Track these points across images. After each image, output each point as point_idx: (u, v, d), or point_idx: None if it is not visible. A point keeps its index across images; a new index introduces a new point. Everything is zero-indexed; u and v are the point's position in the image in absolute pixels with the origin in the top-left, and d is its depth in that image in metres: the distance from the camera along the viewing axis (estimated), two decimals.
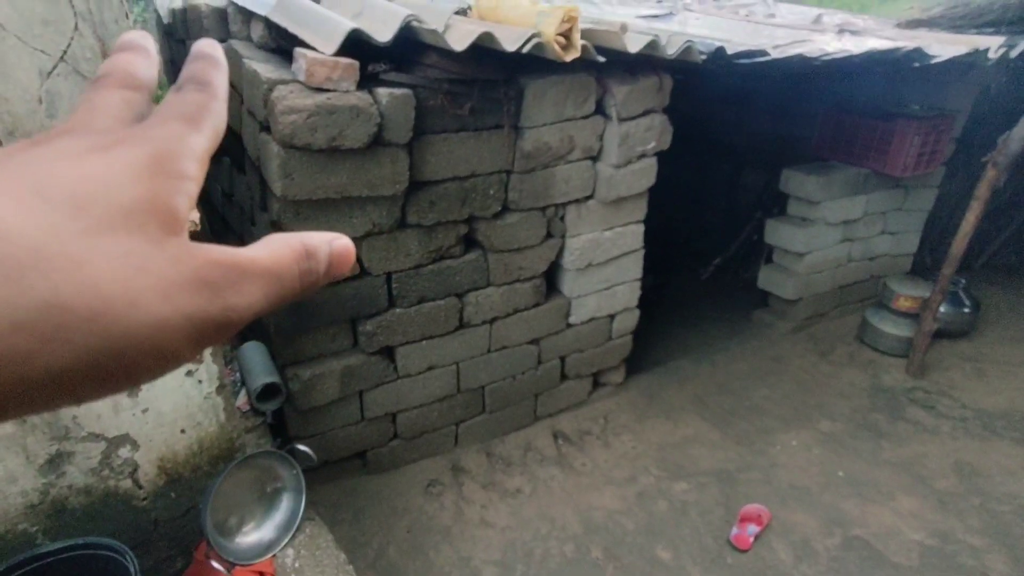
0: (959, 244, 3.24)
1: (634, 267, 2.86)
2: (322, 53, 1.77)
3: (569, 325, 2.84)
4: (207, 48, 0.30)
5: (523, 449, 2.98)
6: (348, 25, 1.74)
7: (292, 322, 2.16)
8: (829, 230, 3.75)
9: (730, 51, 2.25)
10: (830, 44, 2.76)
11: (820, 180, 3.56)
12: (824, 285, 3.96)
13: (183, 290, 0.23)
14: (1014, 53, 3.01)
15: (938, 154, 3.71)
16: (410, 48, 1.95)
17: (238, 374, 2.55)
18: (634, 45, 2.07)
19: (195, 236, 0.26)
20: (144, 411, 1.70)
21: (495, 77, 2.01)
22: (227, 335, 0.25)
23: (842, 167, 3.68)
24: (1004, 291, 4.51)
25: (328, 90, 1.77)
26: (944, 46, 2.94)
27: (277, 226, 1.98)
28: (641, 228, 2.75)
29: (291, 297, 0.27)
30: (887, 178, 3.71)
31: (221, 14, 2.55)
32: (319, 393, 2.31)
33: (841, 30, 3.24)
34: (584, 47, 1.97)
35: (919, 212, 4.11)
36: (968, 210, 3.15)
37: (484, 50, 1.89)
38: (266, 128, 1.87)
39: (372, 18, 1.91)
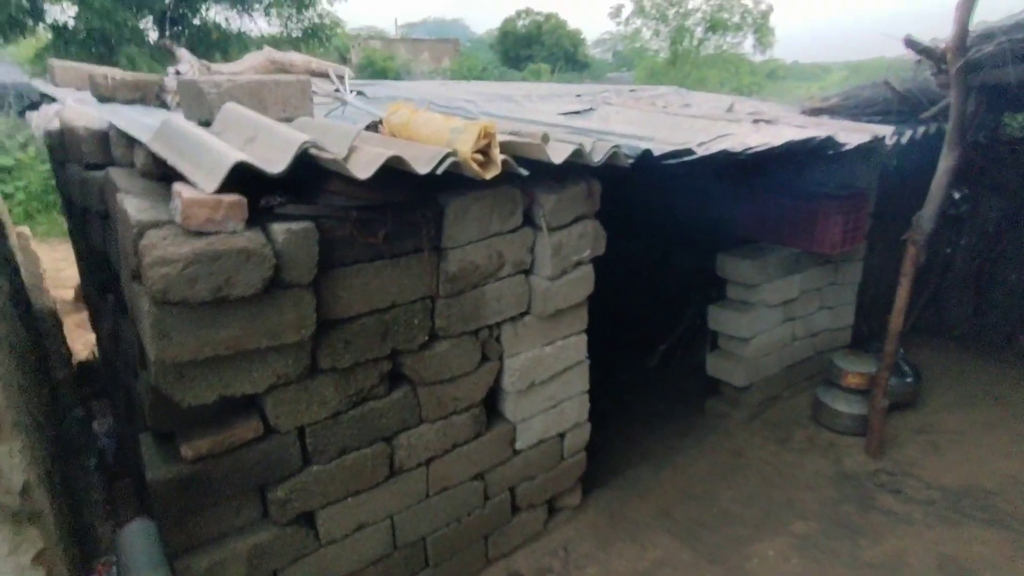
0: (896, 320, 3.23)
1: (580, 380, 2.63)
2: (203, 190, 1.51)
3: (516, 452, 2.55)
4: None
5: None
6: (232, 158, 1.50)
7: (181, 501, 1.77)
8: (770, 312, 3.70)
9: (656, 152, 2.15)
10: (750, 136, 2.76)
11: (755, 263, 3.52)
12: (772, 367, 3.86)
13: None
14: (904, 140, 3.22)
15: (860, 229, 3.79)
16: (312, 174, 1.72)
17: (114, 568, 2.08)
18: (558, 156, 1.92)
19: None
20: None
21: (410, 199, 1.80)
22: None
23: (774, 248, 3.67)
24: (934, 354, 4.58)
25: (211, 233, 1.49)
26: (850, 134, 3.05)
27: (157, 391, 1.63)
28: (584, 339, 2.55)
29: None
30: (817, 255, 3.72)
31: (102, 137, 2.26)
32: None
33: (756, 120, 3.29)
34: (505, 162, 1.80)
35: (851, 285, 4.15)
36: (898, 287, 3.16)
37: (396, 171, 1.68)
38: (138, 277, 1.56)
39: (266, 145, 1.68)
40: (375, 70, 19.06)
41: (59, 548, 1.53)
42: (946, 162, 2.92)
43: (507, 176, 1.89)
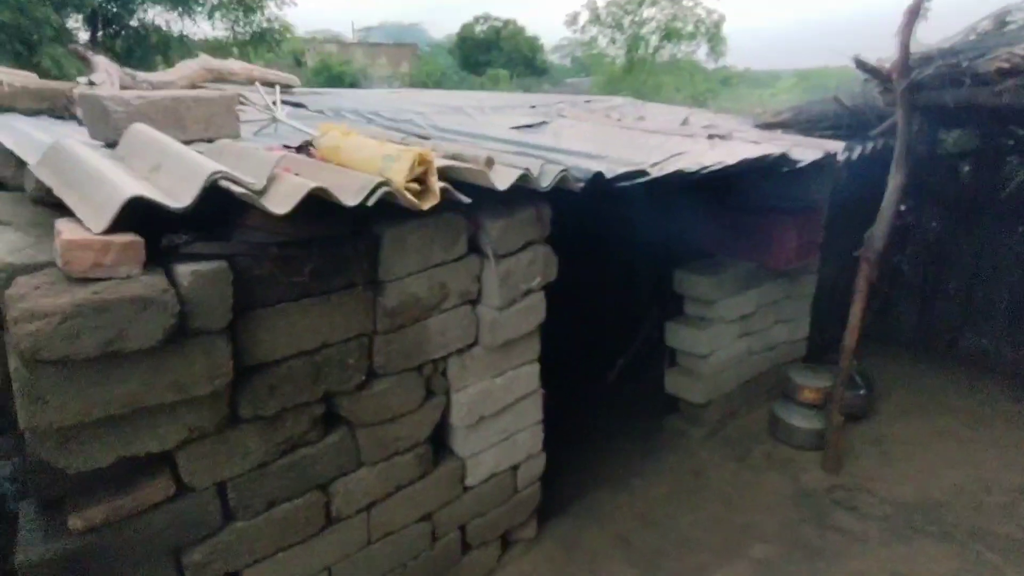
0: (851, 336, 3.22)
1: (533, 410, 2.51)
2: (90, 229, 1.32)
3: (466, 488, 2.40)
4: None
5: None
6: (127, 192, 1.31)
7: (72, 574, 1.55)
8: (728, 327, 3.65)
9: (609, 175, 2.05)
10: (705, 154, 2.69)
11: (713, 279, 3.47)
12: (730, 383, 3.82)
13: None
14: (855, 156, 3.24)
15: (814, 243, 3.79)
16: (227, 206, 1.54)
17: None
18: (503, 181, 1.79)
19: None
20: None
21: (338, 233, 1.64)
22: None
23: (731, 263, 3.62)
24: (885, 361, 4.63)
25: (100, 279, 1.30)
26: (804, 150, 3.02)
27: (38, 461, 1.41)
28: (536, 368, 2.42)
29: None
30: (772, 269, 3.70)
31: None
32: None
33: (710, 135, 3.24)
34: (444, 190, 1.66)
35: (806, 297, 4.15)
36: (852, 303, 3.15)
37: (324, 201, 1.52)
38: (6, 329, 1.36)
39: (172, 174, 1.50)
40: (331, 75, 18.63)
41: None
42: (895, 181, 2.92)
43: (449, 203, 1.75)
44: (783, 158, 2.82)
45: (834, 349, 4.09)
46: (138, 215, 1.37)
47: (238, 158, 1.62)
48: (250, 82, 3.84)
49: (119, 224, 1.34)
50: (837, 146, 3.09)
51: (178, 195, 1.40)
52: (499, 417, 2.36)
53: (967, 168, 4.62)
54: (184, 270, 1.42)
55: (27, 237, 1.45)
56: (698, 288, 3.56)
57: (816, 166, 3.07)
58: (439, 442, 2.31)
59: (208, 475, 1.68)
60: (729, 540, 3.00)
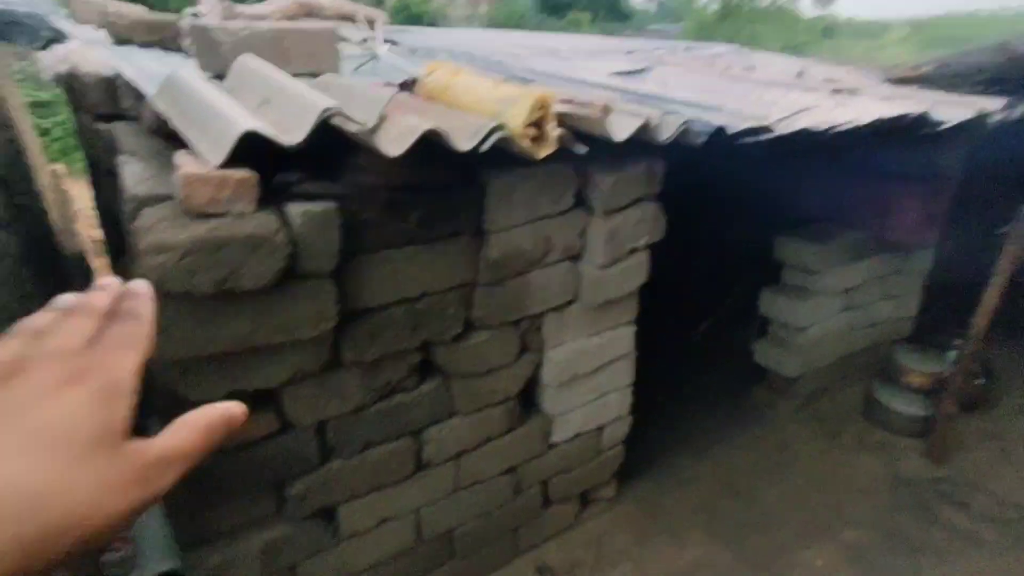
0: (982, 320, 2.89)
1: (626, 373, 2.41)
2: (208, 162, 1.29)
3: (551, 445, 2.36)
4: (142, 288, 0.43)
5: None
6: (240, 127, 1.27)
7: (194, 497, 1.63)
8: (830, 300, 3.39)
9: (730, 129, 1.85)
10: (832, 112, 2.41)
11: (820, 249, 3.20)
12: (826, 358, 3.58)
13: (128, 489, 0.32)
14: (1015, 116, 2.78)
15: (938, 216, 3.41)
16: (335, 144, 1.49)
17: (131, 547, 1.99)
18: (621, 131, 1.65)
19: None
20: None
21: (447, 180, 1.56)
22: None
23: (840, 232, 3.33)
24: (1010, 351, 4.20)
25: (216, 215, 1.28)
26: (950, 108, 2.65)
27: (163, 386, 1.46)
28: (633, 330, 2.32)
29: (198, 466, 0.37)
30: (886, 242, 3.38)
31: (110, 86, 2.04)
32: None
33: (835, 90, 2.92)
34: (561, 138, 1.54)
35: (918, 273, 3.79)
36: (990, 284, 2.81)
37: (433, 144, 1.44)
38: (135, 258, 1.37)
39: (282, 109, 1.45)
40: (410, 14, 18.36)
41: None
42: None
43: (559, 152, 1.63)
44: (923, 118, 2.50)
45: (943, 331, 3.75)
46: (248, 151, 1.33)
47: (346, 94, 1.55)
48: (340, 17, 3.77)
49: (233, 160, 1.31)
50: (994, 104, 2.68)
51: (290, 131, 1.34)
52: (591, 377, 2.29)
53: None
54: (295, 210, 1.39)
55: (149, 168, 1.45)
56: (802, 256, 3.30)
57: (959, 129, 2.71)
58: (528, 399, 2.27)
59: (310, 414, 1.70)
60: (817, 520, 2.85)
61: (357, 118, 1.38)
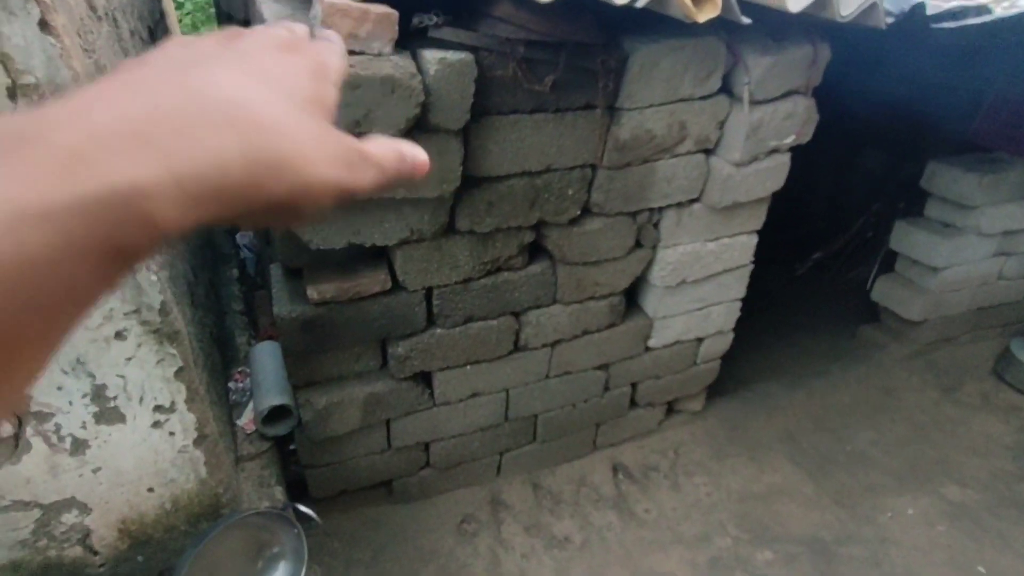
0: None
1: (737, 285, 2.27)
2: None
3: (648, 349, 2.31)
4: (332, 33, 0.41)
5: (576, 484, 2.52)
6: None
7: (306, 341, 1.72)
8: (982, 241, 3.00)
9: (932, 11, 1.56)
10: None
11: (984, 179, 2.79)
12: (959, 306, 3.24)
13: (336, 163, 0.31)
14: None
15: None
16: None
17: (248, 380, 2.16)
18: (796, 2, 1.42)
19: None
20: (95, 471, 1.31)
21: (591, 40, 1.42)
22: (345, 203, 0.32)
23: (1012, 163, 2.89)
24: None
25: (352, 52, 1.23)
26: None
27: (286, 232, 1.50)
28: (754, 240, 2.15)
29: (383, 187, 0.34)
30: None
31: None
32: (336, 422, 1.90)
33: None
34: (726, 2, 1.35)
35: None
36: None
37: (578, 1, 1.30)
38: None
39: None
40: None
41: (197, 367, 1.53)
42: None
43: (716, 22, 1.44)
44: None
45: None
46: None
47: None
48: None
49: None
50: None
51: None
52: (700, 285, 2.17)
53: None
54: (431, 56, 1.31)
55: (287, 7, 1.41)
56: (958, 187, 2.90)
57: None
58: (630, 298, 2.20)
59: (419, 278, 1.72)
60: (916, 470, 2.69)
61: None
